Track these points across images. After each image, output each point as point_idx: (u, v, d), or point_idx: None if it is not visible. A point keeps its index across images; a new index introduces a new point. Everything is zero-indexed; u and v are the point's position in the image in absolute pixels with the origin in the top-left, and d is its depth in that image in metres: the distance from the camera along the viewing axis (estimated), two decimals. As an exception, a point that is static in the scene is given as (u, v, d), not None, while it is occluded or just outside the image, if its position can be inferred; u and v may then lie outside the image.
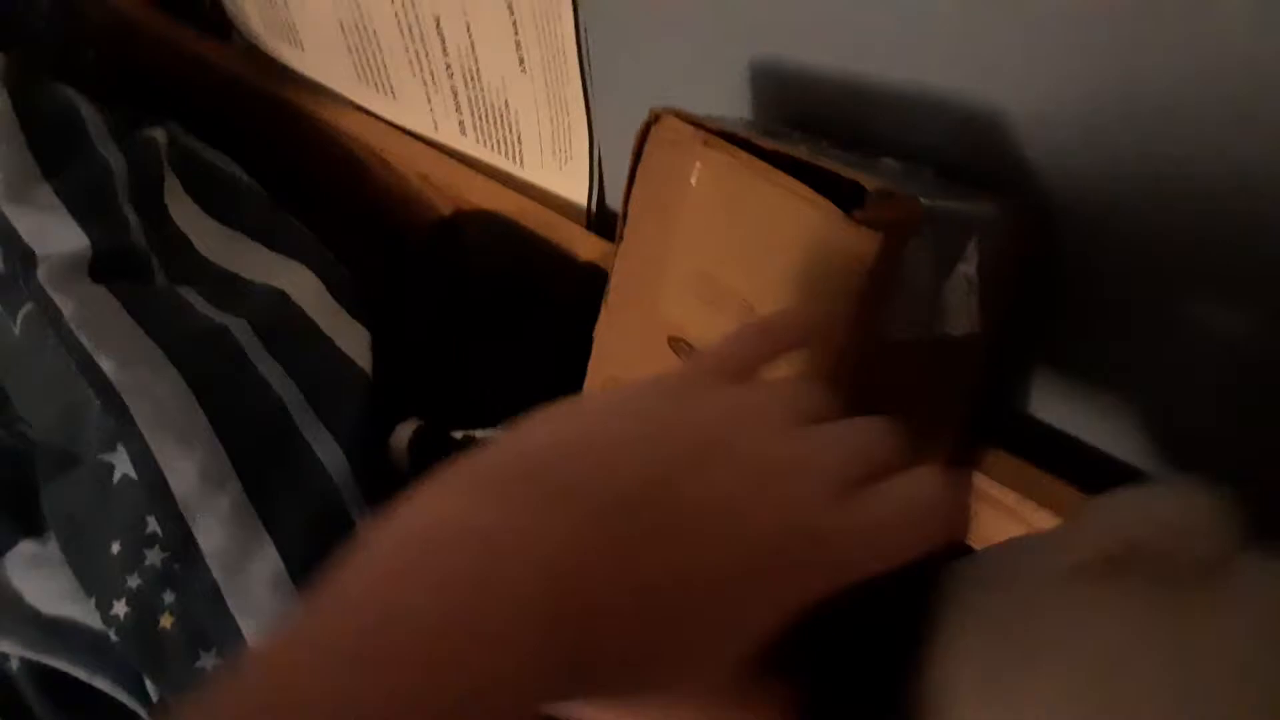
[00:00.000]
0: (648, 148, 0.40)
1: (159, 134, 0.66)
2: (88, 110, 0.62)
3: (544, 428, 0.27)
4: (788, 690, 0.28)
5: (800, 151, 0.35)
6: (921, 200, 0.33)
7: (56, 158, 0.58)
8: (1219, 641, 0.22)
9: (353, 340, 0.58)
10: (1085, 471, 0.41)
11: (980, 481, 0.42)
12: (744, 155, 0.36)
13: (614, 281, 0.43)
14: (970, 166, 0.39)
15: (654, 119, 0.39)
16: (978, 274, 0.36)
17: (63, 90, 0.62)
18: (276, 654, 0.21)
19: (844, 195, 0.33)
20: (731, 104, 0.47)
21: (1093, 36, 0.33)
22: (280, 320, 0.56)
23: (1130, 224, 0.36)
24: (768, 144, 0.36)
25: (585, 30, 0.51)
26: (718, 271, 0.38)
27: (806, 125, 0.44)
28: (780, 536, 0.25)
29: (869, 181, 0.32)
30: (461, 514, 0.24)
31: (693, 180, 0.38)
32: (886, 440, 0.27)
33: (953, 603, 0.26)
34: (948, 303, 0.35)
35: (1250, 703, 0.21)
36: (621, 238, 0.42)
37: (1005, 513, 0.42)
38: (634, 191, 0.41)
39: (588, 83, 0.53)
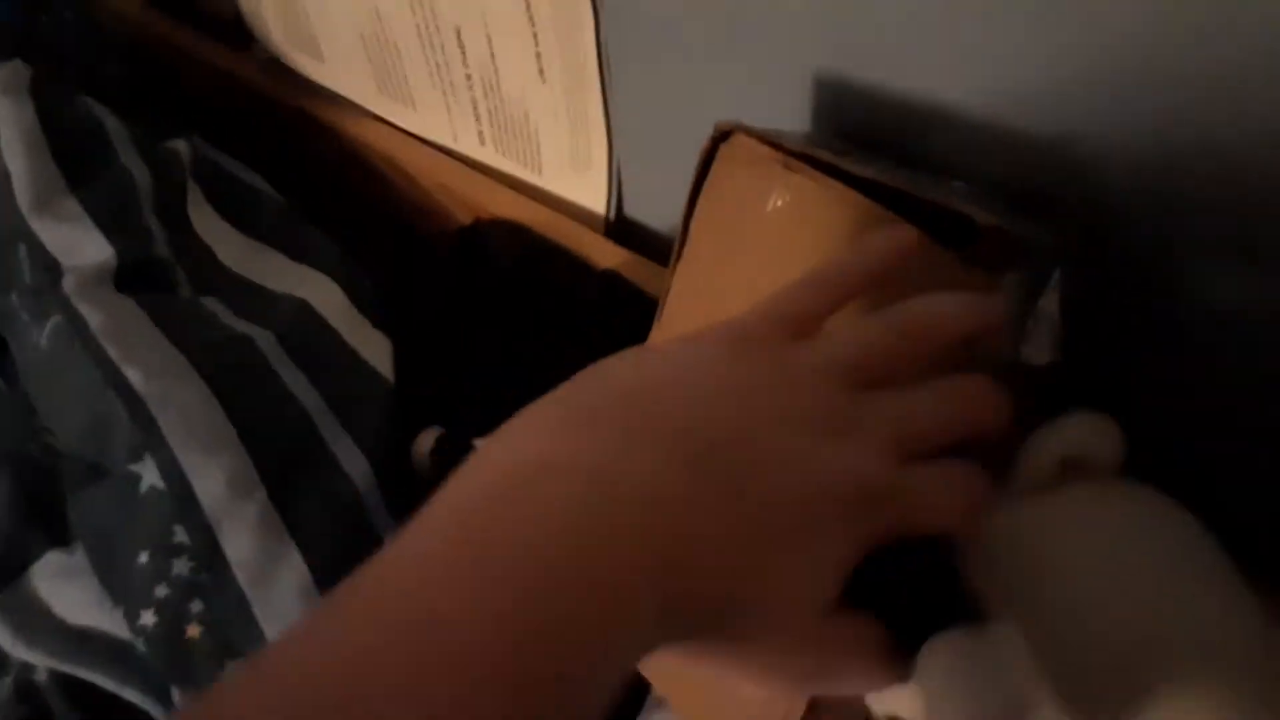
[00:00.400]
0: (716, 165, 0.38)
1: (181, 146, 0.67)
2: (112, 123, 0.63)
3: (628, 369, 0.28)
4: (858, 626, 0.29)
5: (889, 178, 0.33)
6: (1021, 236, 0.32)
7: (81, 170, 0.59)
8: (1137, 514, 0.30)
9: (375, 350, 0.58)
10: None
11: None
12: (833, 183, 0.34)
13: (670, 298, 0.41)
14: (1033, 193, 0.38)
15: (721, 135, 0.37)
16: (1060, 305, 0.35)
17: (87, 103, 0.63)
18: (384, 572, 0.21)
19: (924, 220, 0.32)
20: (751, 119, 0.47)
21: (1164, 64, 0.33)
22: (304, 330, 0.57)
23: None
24: (855, 169, 0.34)
25: (606, 40, 0.51)
26: None
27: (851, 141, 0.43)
28: (845, 483, 0.26)
29: (982, 216, 0.31)
30: (559, 449, 0.24)
31: (770, 205, 0.36)
32: (946, 412, 0.29)
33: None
34: (1032, 333, 0.35)
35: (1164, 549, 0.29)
36: (679, 256, 0.40)
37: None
38: (698, 209, 0.39)
39: (608, 92, 0.54)
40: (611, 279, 0.58)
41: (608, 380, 0.27)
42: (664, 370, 0.28)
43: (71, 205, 0.57)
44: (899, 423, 0.28)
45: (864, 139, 0.42)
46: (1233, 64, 0.31)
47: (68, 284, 0.54)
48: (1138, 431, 0.40)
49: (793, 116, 0.46)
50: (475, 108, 0.62)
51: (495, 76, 0.58)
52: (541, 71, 0.55)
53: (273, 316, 0.57)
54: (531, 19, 0.53)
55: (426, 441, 0.55)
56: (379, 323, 0.61)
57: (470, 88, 0.61)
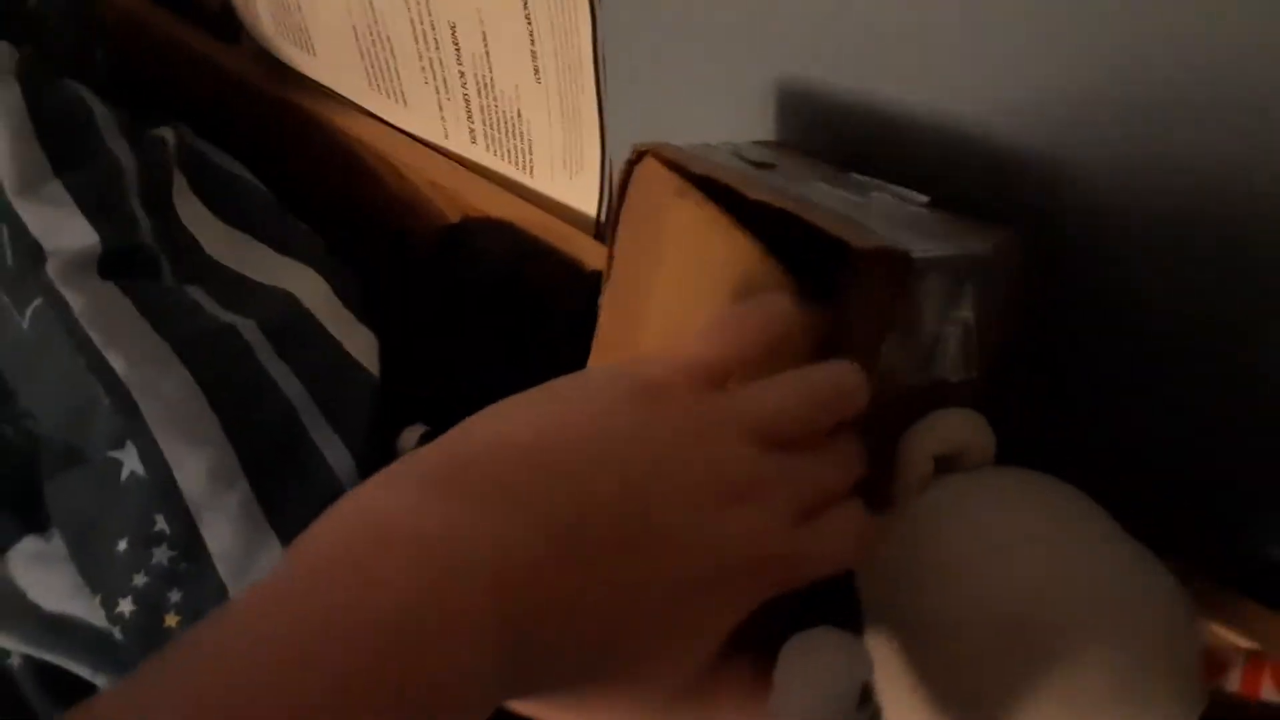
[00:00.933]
0: (631, 188, 0.37)
1: (167, 133, 0.66)
2: (99, 108, 0.62)
3: (520, 418, 0.27)
4: (741, 669, 0.29)
5: (789, 199, 0.33)
6: (913, 254, 0.32)
7: (67, 154, 0.58)
8: (1010, 495, 0.32)
9: (360, 344, 0.58)
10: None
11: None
12: (713, 210, 0.34)
13: (601, 322, 0.41)
14: (981, 197, 0.39)
15: (636, 157, 0.37)
16: (975, 319, 0.35)
17: (74, 87, 0.62)
18: (214, 644, 0.20)
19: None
20: (747, 123, 0.47)
21: (1121, 75, 0.34)
22: (289, 322, 0.56)
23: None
24: (753, 193, 0.33)
25: (603, 41, 0.51)
26: (689, 327, 0.35)
27: (821, 146, 0.44)
28: (737, 555, 0.27)
29: (859, 239, 0.31)
30: (410, 513, 0.23)
31: (666, 231, 0.36)
32: (842, 475, 0.30)
33: None
34: (944, 349, 0.35)
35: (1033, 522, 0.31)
36: (607, 279, 0.40)
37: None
38: (619, 232, 0.39)
39: (603, 94, 0.54)
40: (600, 281, 0.58)
41: (493, 431, 0.26)
42: (556, 423, 0.27)
43: (56, 189, 0.57)
44: (802, 484, 0.29)
45: (843, 147, 0.42)
46: (1201, 82, 0.32)
47: (51, 268, 0.53)
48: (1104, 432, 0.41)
49: (785, 127, 0.46)
50: (468, 105, 0.62)
51: (489, 74, 0.58)
52: (537, 71, 0.55)
53: (257, 307, 0.57)
54: (528, 17, 0.53)
55: (411, 439, 0.55)
56: (364, 318, 0.60)
57: (463, 85, 0.61)
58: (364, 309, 0.61)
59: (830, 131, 0.44)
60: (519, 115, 0.59)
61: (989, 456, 0.34)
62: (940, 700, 0.29)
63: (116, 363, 0.49)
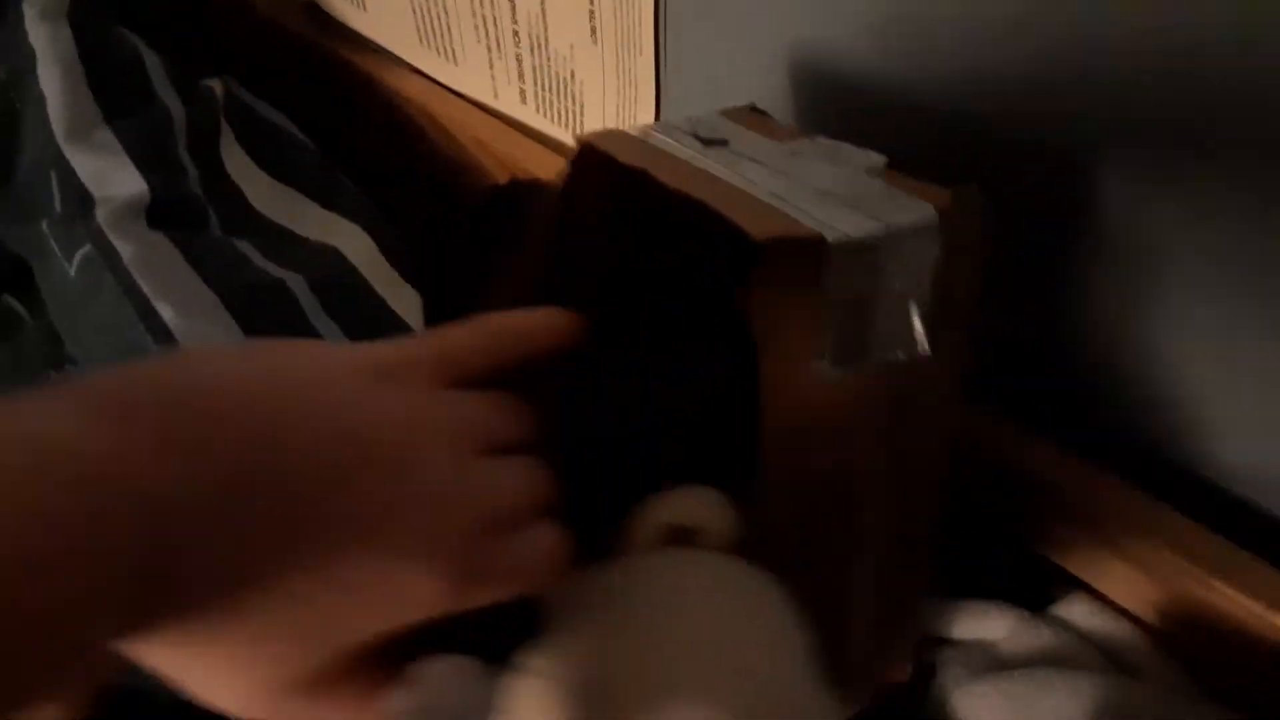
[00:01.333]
0: (574, 176, 0.38)
1: (215, 85, 0.66)
2: (150, 57, 0.62)
3: (230, 366, 0.26)
4: (373, 683, 0.27)
5: (711, 187, 0.33)
6: (829, 237, 0.31)
7: (118, 101, 0.58)
8: (725, 576, 0.31)
9: (405, 302, 0.57)
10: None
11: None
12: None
13: None
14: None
15: (584, 144, 0.37)
16: (919, 292, 0.33)
17: (126, 34, 0.62)
18: None
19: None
20: (787, 93, 0.47)
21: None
22: (335, 278, 0.56)
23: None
24: (673, 182, 0.33)
25: (665, 5, 0.50)
26: None
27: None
28: (413, 552, 0.26)
29: (761, 229, 0.30)
30: (69, 434, 0.22)
31: None
32: (540, 488, 0.29)
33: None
34: (884, 328, 0.33)
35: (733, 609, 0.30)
36: None
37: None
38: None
39: (661, 59, 0.53)
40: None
41: (191, 375, 0.25)
42: (275, 375, 0.26)
43: (107, 136, 0.56)
44: (506, 496, 0.28)
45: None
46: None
47: (100, 215, 0.53)
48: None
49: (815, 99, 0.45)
50: (520, 64, 0.61)
51: (544, 33, 0.57)
52: (594, 31, 0.54)
53: (304, 263, 0.56)
54: (589, -25, 0.52)
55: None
56: (408, 276, 0.60)
57: (517, 44, 0.60)
58: (409, 268, 0.60)
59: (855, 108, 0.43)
60: (572, 76, 0.58)
61: (726, 540, 0.33)
62: None
63: (165, 312, 0.49)
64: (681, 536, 0.32)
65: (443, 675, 0.27)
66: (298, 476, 0.24)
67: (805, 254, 0.31)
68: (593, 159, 0.36)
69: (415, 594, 0.26)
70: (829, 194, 0.34)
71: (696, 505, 0.33)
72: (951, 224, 0.33)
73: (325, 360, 0.28)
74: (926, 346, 0.34)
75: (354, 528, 0.25)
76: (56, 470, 0.21)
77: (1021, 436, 0.43)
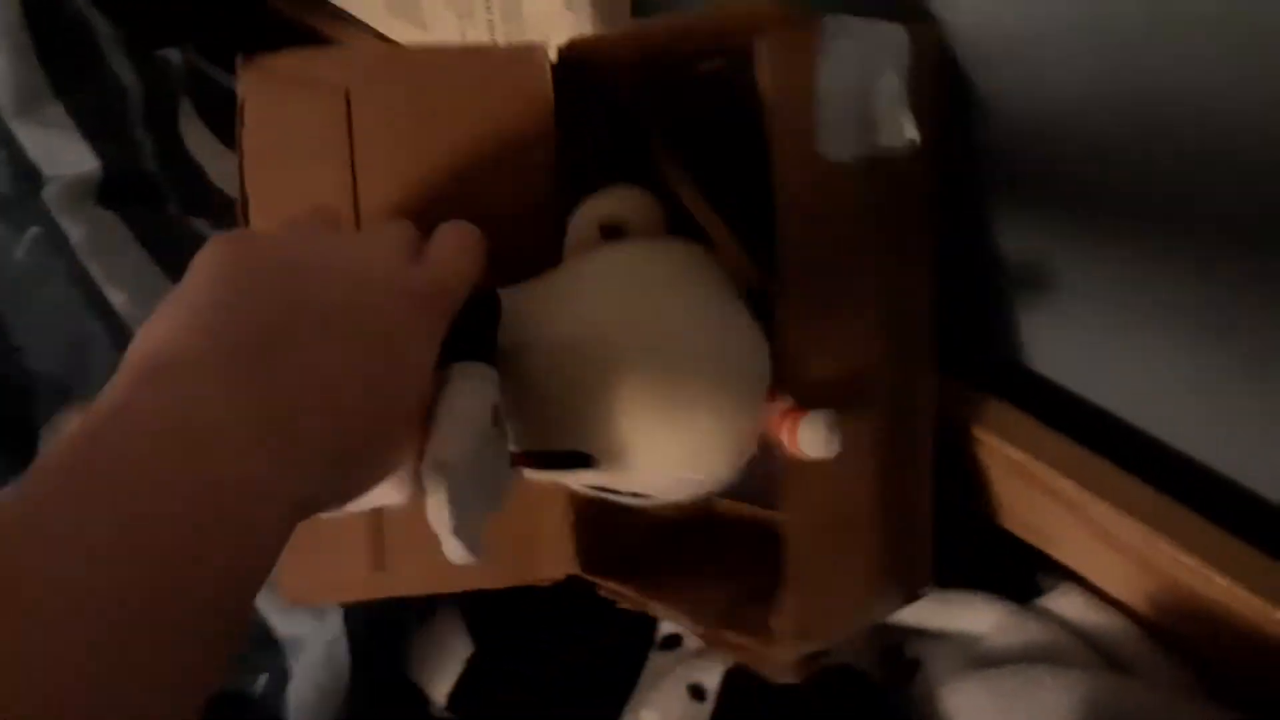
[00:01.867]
0: None
1: (174, 55, 0.63)
2: (103, 26, 0.59)
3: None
4: None
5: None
6: (826, 17, 0.34)
7: (68, 74, 0.55)
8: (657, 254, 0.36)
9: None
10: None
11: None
12: None
13: None
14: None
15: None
16: (903, 84, 0.36)
17: (77, 2, 0.59)
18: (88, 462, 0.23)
19: None
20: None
21: None
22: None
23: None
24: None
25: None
26: None
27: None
28: (398, 307, 0.30)
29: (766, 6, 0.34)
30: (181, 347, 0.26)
31: None
32: (410, 230, 0.33)
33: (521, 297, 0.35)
34: (877, 114, 0.36)
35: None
36: None
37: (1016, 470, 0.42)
38: None
39: (637, 24, 0.51)
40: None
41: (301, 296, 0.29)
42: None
43: (56, 110, 0.54)
44: (398, 234, 0.32)
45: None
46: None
47: (48, 194, 0.51)
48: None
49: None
50: (492, 32, 0.59)
51: (518, 1, 0.55)
52: (567, -3, 0.52)
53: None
54: (561, -62, 0.50)
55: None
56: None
57: (489, 10, 0.57)
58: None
59: None
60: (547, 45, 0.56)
61: (652, 228, 0.37)
62: (526, 415, 0.33)
63: (116, 299, 0.47)
64: (614, 233, 0.37)
65: (454, 376, 0.30)
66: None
67: (805, 30, 0.33)
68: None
69: (403, 335, 0.29)
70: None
71: (623, 200, 0.37)
72: (917, 43, 0.37)
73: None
74: (916, 135, 0.36)
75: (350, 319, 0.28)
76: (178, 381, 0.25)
77: (1005, 414, 0.43)
